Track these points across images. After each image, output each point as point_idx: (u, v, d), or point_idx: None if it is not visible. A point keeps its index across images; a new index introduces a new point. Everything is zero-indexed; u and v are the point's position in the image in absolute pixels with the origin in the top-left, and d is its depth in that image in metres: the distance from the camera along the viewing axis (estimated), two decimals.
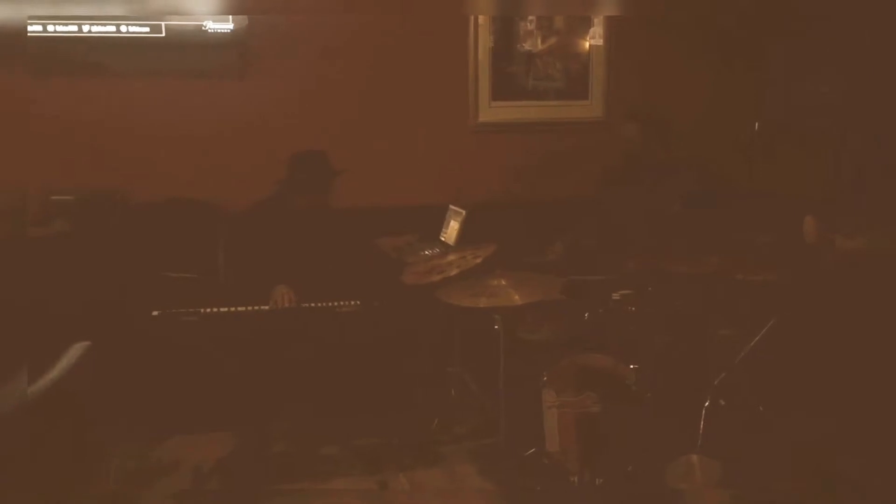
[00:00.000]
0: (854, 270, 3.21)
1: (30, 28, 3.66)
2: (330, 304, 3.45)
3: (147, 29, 3.86)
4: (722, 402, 3.35)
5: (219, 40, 3.95)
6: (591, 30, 4.55)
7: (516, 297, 3.19)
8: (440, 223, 4.25)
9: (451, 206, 4.21)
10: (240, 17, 3.92)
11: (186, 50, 3.94)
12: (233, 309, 3.39)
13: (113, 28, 3.84)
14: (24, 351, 2.62)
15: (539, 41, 4.52)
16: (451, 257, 3.57)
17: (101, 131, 3.99)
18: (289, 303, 3.39)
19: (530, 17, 4.48)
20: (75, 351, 2.92)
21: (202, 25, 3.90)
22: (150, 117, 4.04)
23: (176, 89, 4.06)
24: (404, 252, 3.97)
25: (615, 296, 3.55)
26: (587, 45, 4.58)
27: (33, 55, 3.68)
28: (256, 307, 3.40)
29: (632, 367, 3.21)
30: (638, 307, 3.49)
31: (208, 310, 3.36)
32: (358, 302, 3.46)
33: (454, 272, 3.37)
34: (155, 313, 3.32)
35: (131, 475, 3.30)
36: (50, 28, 3.77)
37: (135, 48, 3.88)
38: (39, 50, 3.72)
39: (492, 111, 4.52)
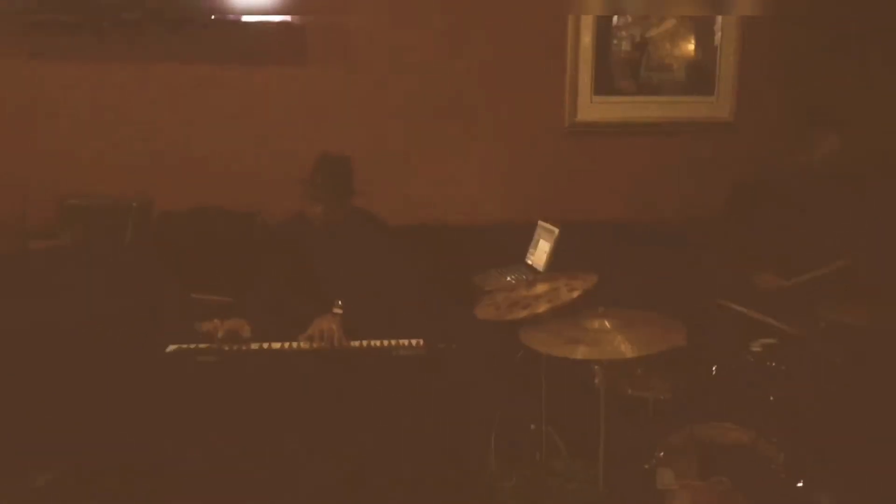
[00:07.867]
0: None
1: None
2: (386, 343, 3.01)
3: None
4: None
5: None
6: None
7: (625, 346, 2.53)
8: (526, 243, 3.78)
9: (541, 223, 3.73)
10: None
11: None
12: (265, 346, 2.95)
13: None
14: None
15: (654, 23, 4.05)
16: (540, 288, 2.97)
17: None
18: (334, 341, 2.97)
19: None
20: None
21: None
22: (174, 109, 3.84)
23: (209, 79, 3.83)
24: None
25: (754, 346, 2.95)
26: (714, 27, 4.07)
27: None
28: (293, 345, 2.97)
29: (775, 442, 2.63)
30: (782, 363, 2.87)
31: (236, 347, 2.91)
32: (421, 342, 3.01)
33: (543, 308, 2.78)
34: (170, 349, 2.88)
35: None
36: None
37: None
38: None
39: (593, 108, 4.09)
